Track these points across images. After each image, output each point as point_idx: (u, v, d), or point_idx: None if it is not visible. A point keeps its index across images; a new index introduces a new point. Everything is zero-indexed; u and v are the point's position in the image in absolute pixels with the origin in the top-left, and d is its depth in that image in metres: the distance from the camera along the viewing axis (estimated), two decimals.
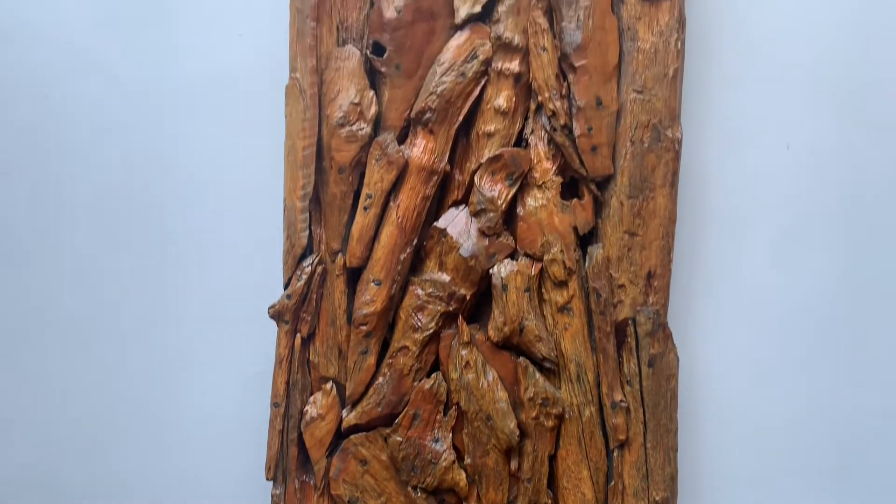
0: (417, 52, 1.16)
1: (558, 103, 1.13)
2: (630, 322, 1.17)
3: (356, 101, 1.16)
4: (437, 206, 1.20)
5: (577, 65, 1.12)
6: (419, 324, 1.19)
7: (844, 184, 1.27)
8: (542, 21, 1.13)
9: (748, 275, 1.29)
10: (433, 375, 1.20)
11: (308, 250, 1.20)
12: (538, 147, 1.16)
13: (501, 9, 1.15)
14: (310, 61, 1.16)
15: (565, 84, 1.14)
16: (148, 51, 1.34)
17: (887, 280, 1.28)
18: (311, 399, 1.23)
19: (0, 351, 1.46)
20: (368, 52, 1.16)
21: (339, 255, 1.19)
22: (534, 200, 1.16)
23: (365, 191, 1.17)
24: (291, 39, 1.17)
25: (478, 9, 1.14)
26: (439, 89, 1.14)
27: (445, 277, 1.18)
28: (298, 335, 1.22)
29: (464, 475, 1.20)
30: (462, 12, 1.15)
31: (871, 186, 1.27)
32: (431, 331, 1.19)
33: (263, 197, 1.29)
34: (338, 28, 1.17)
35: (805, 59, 1.25)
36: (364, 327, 1.19)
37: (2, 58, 1.37)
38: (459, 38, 1.15)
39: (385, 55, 1.15)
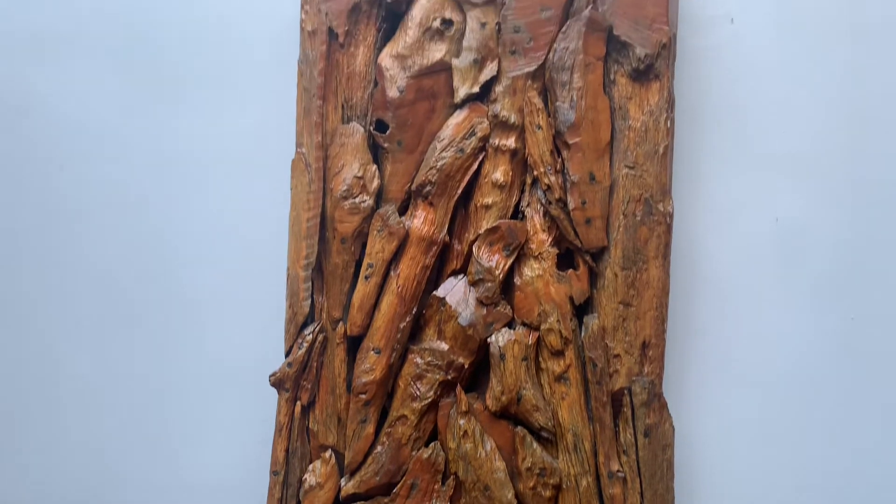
0: (418, 128, 1.21)
1: (553, 178, 1.18)
2: (626, 392, 1.19)
3: (359, 174, 1.20)
4: (436, 275, 1.23)
5: (570, 142, 1.17)
6: (418, 392, 1.20)
7: (832, 256, 1.31)
8: (538, 101, 1.19)
9: (741, 344, 1.31)
10: (431, 445, 1.21)
11: (310, 318, 1.23)
12: (534, 219, 1.20)
13: (498, 89, 1.20)
14: (316, 137, 1.21)
15: (560, 160, 1.18)
16: (159, 124, 1.39)
17: (877, 344, 1.30)
18: (311, 467, 1.23)
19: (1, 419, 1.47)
20: (372, 128, 1.22)
21: (340, 323, 1.22)
22: (530, 271, 1.20)
23: (366, 260, 1.20)
24: (298, 116, 1.23)
25: (476, 89, 1.20)
26: (439, 164, 1.19)
27: (444, 346, 1.21)
28: (298, 403, 1.23)
29: None
30: (461, 92, 1.20)
31: (857, 257, 1.30)
32: (430, 399, 1.20)
33: (267, 266, 1.32)
34: (343, 106, 1.23)
35: (792, 136, 1.30)
36: (363, 396, 1.20)
37: (18, 131, 1.43)
38: (459, 117, 1.21)
39: (388, 132, 1.21)
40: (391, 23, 1.24)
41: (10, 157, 1.43)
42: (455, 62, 1.21)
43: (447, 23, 1.22)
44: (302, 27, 1.23)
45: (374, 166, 1.21)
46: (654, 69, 1.17)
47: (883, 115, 1.30)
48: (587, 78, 1.18)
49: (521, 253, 1.20)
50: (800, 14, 1.30)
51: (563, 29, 1.19)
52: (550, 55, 1.19)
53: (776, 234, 1.30)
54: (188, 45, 1.37)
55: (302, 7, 1.23)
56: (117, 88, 1.40)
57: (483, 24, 1.21)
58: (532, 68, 1.19)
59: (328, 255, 1.22)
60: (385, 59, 1.21)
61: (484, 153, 1.21)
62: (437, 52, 1.21)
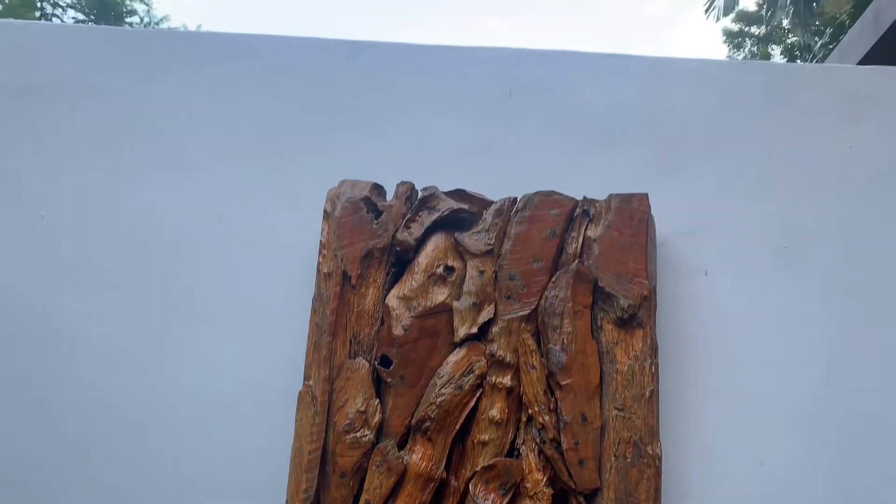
0: (420, 364, 1.29)
1: (547, 417, 1.24)
2: None
3: (362, 409, 1.26)
4: None
5: (562, 383, 1.25)
6: None
7: (815, 498, 1.33)
8: (531, 342, 1.29)
9: None
10: None
11: None
12: (529, 457, 1.24)
13: (495, 329, 1.31)
14: (323, 371, 1.29)
15: (553, 399, 1.25)
16: (175, 352, 1.47)
17: None
18: None
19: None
20: (376, 363, 1.30)
21: None
22: None
23: (364, 496, 1.22)
24: (308, 350, 1.31)
25: (474, 329, 1.30)
26: (438, 400, 1.26)
27: None
28: None
29: None
30: (461, 332, 1.30)
31: (840, 499, 1.33)
32: None
33: (266, 498, 1.32)
34: (351, 341, 1.32)
35: (768, 380, 1.39)
36: None
37: (43, 359, 1.49)
38: (458, 355, 1.30)
39: (391, 367, 1.29)
40: (399, 267, 1.37)
41: (33, 377, 1.49)
42: (456, 304, 1.32)
43: (449, 269, 1.35)
44: (319, 269, 1.36)
45: (377, 400, 1.28)
46: (637, 318, 1.29)
47: (853, 358, 1.40)
48: (576, 323, 1.28)
49: (516, 491, 1.23)
50: (767, 266, 1.45)
51: (553, 279, 1.32)
52: (542, 301, 1.31)
53: (762, 477, 1.34)
54: (209, 280, 1.49)
55: (320, 251, 1.37)
56: (136, 316, 1.49)
57: (481, 272, 1.34)
58: (526, 312, 1.31)
59: (327, 489, 1.24)
60: (392, 299, 1.33)
61: (481, 390, 1.28)
62: (439, 295, 1.33)
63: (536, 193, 1.39)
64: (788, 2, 10.08)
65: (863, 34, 2.32)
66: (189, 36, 1.82)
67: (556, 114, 1.56)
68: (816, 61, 9.94)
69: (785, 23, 12.40)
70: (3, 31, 1.67)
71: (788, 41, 15.56)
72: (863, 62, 2.31)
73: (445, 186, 1.41)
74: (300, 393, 1.29)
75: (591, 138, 1.53)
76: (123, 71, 1.63)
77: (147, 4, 13.67)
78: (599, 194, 1.40)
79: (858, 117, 1.53)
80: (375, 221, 1.38)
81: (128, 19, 13.46)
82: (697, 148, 1.52)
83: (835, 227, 1.48)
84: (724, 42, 16.54)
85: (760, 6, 15.22)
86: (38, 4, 13.52)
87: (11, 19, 1.71)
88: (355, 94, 1.60)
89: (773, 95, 1.55)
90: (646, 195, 1.36)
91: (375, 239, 1.36)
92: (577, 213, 1.37)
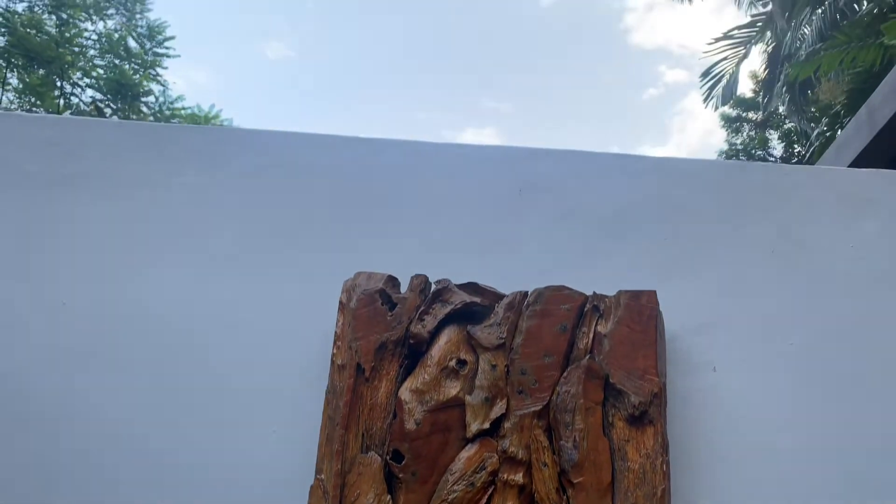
0: (432, 460, 1.30)
1: None
2: None
3: None
4: None
5: (574, 481, 1.25)
6: None
7: None
8: (543, 439, 1.30)
9: None
10: None
11: None
12: None
13: (507, 425, 1.32)
14: (335, 465, 1.29)
15: (565, 497, 1.25)
16: (188, 436, 1.47)
17: None
18: None
19: None
20: (388, 458, 1.30)
21: None
22: None
23: None
24: (321, 443, 1.32)
25: (487, 425, 1.31)
26: (450, 497, 1.25)
27: None
28: None
29: None
30: (473, 427, 1.31)
31: None
32: None
33: None
34: (363, 435, 1.33)
35: (785, 476, 1.38)
36: None
37: (60, 443, 1.50)
38: (470, 451, 1.30)
39: (403, 462, 1.29)
40: (412, 359, 1.39)
41: (50, 462, 1.49)
42: (468, 399, 1.34)
43: (462, 363, 1.37)
44: (333, 360, 1.38)
45: (389, 496, 1.27)
46: (648, 415, 1.30)
47: (863, 451, 1.40)
48: (588, 420, 1.30)
49: None
50: (774, 362, 1.47)
51: (565, 374, 1.34)
52: (554, 397, 1.32)
53: None
54: (224, 369, 1.50)
55: (335, 342, 1.40)
56: (152, 404, 1.50)
57: (493, 366, 1.36)
58: (538, 408, 1.32)
59: None
60: (405, 392, 1.34)
61: (493, 487, 1.28)
62: (452, 388, 1.35)
63: (547, 288, 1.43)
64: (784, 90, 10.39)
65: (858, 132, 2.42)
66: (211, 131, 1.90)
67: (564, 210, 1.62)
68: (813, 149, 10.17)
69: (781, 109, 12.76)
70: (36, 125, 1.75)
71: (785, 126, 16.00)
72: (859, 158, 2.40)
73: (458, 279, 1.45)
74: (312, 487, 1.29)
75: (599, 234, 1.58)
76: (148, 163, 1.70)
77: (163, 85, 14.15)
78: (608, 289, 1.44)
79: (858, 218, 1.58)
80: (390, 314, 1.41)
81: (143, 99, 13.91)
82: (703, 245, 1.57)
83: (839, 324, 1.51)
84: (723, 126, 17.01)
85: (757, 93, 15.71)
86: (58, 83, 14.02)
87: (44, 113, 1.80)
88: (372, 190, 1.66)
89: (773, 195, 1.61)
90: (654, 292, 1.40)
91: (390, 331, 1.39)
92: (588, 308, 1.41)
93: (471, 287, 1.45)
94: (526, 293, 1.43)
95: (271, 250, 1.61)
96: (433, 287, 1.45)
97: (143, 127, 1.77)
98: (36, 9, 13.75)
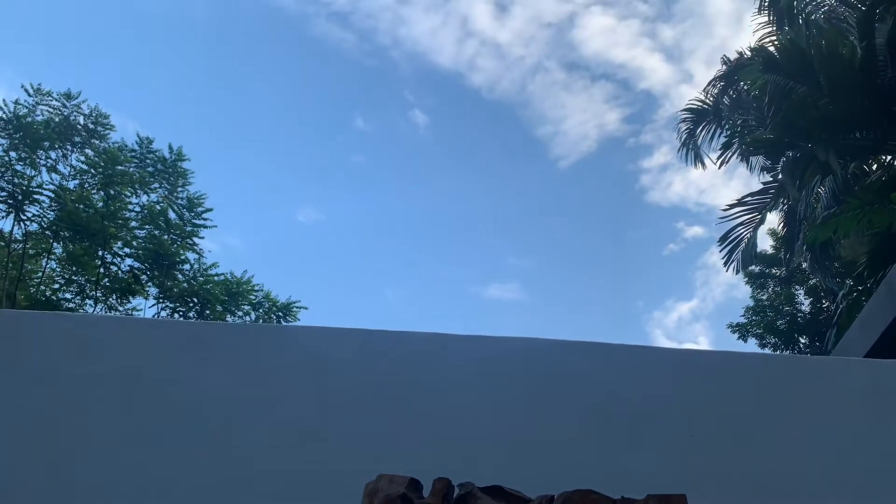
0: None
1: None
2: None
3: None
4: None
5: None
6: None
7: None
8: None
9: None
10: None
11: None
12: None
13: None
14: None
15: None
16: None
17: None
18: None
19: None
20: None
21: None
22: None
23: None
24: None
25: None
26: None
27: None
28: None
29: None
30: None
31: None
32: None
33: None
34: None
35: None
36: None
37: None
38: None
39: None
40: None
41: None
42: None
43: None
44: None
45: None
46: None
47: None
48: None
49: None
50: None
51: None
52: None
53: None
54: None
55: None
56: None
57: None
58: None
59: None
60: None
61: None
62: None
63: (575, 492, 1.38)
64: (804, 248, 10.48)
65: (880, 309, 2.42)
66: (237, 328, 1.97)
67: (590, 405, 1.61)
68: (841, 309, 10.04)
69: (804, 265, 12.79)
70: (75, 323, 1.83)
71: (811, 282, 15.94)
72: (883, 337, 2.37)
73: (482, 481, 1.42)
74: None
75: (625, 432, 1.56)
76: (177, 360, 1.75)
77: (198, 253, 14.77)
78: (637, 492, 1.39)
79: (890, 410, 1.55)
80: None
81: (179, 267, 14.47)
82: (732, 442, 1.53)
83: None
84: (747, 283, 17.01)
85: (778, 249, 15.85)
86: (99, 253, 14.72)
87: (84, 313, 1.88)
88: (394, 383, 1.68)
89: (800, 387, 1.59)
90: (684, 496, 1.35)
91: None
92: None
93: (495, 491, 1.41)
94: (552, 497, 1.38)
95: (294, 445, 1.60)
96: (456, 491, 1.41)
97: (174, 325, 1.84)
98: (86, 185, 14.77)
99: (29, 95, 14.30)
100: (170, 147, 15.29)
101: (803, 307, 16.78)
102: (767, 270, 16.94)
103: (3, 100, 13.99)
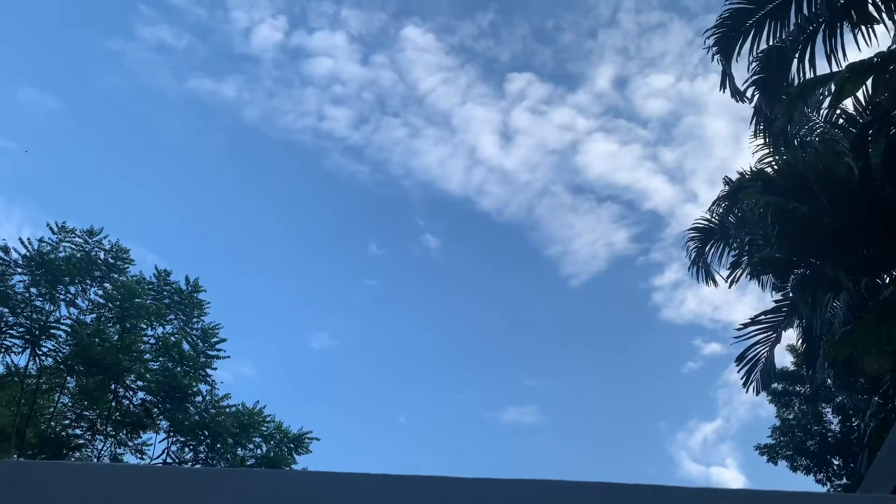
0: None
1: None
2: None
3: None
4: None
5: None
6: None
7: None
8: None
9: None
10: None
11: None
12: None
13: None
14: None
15: None
16: None
17: None
18: None
19: None
20: None
21: None
22: None
23: None
24: None
25: None
26: None
27: None
28: None
29: None
30: None
31: None
32: None
33: None
34: None
35: None
36: None
37: None
38: None
39: None
40: None
41: None
42: None
43: None
44: None
45: None
46: None
47: None
48: None
49: None
50: None
51: None
52: None
53: None
54: None
55: None
56: None
57: None
58: None
59: None
60: None
61: None
62: None
63: None
64: (826, 365, 10.20)
65: None
66: (245, 474, 1.94)
67: None
68: (871, 429, 9.64)
69: (829, 382, 12.38)
70: (88, 473, 1.81)
71: (837, 399, 15.31)
72: None
73: None
74: None
75: None
76: None
77: (210, 385, 14.61)
78: None
79: None
80: None
81: (192, 399, 14.26)
82: None
83: None
84: (771, 401, 16.35)
85: (799, 366, 15.37)
86: (112, 386, 14.58)
87: (98, 461, 1.87)
88: None
89: None
90: None
91: None
92: None
93: None
94: None
95: None
96: None
97: (181, 473, 1.82)
98: (103, 318, 14.87)
99: (53, 233, 14.71)
100: (186, 279, 15.51)
101: (832, 426, 16.10)
102: (791, 388, 16.40)
103: (28, 238, 14.42)
